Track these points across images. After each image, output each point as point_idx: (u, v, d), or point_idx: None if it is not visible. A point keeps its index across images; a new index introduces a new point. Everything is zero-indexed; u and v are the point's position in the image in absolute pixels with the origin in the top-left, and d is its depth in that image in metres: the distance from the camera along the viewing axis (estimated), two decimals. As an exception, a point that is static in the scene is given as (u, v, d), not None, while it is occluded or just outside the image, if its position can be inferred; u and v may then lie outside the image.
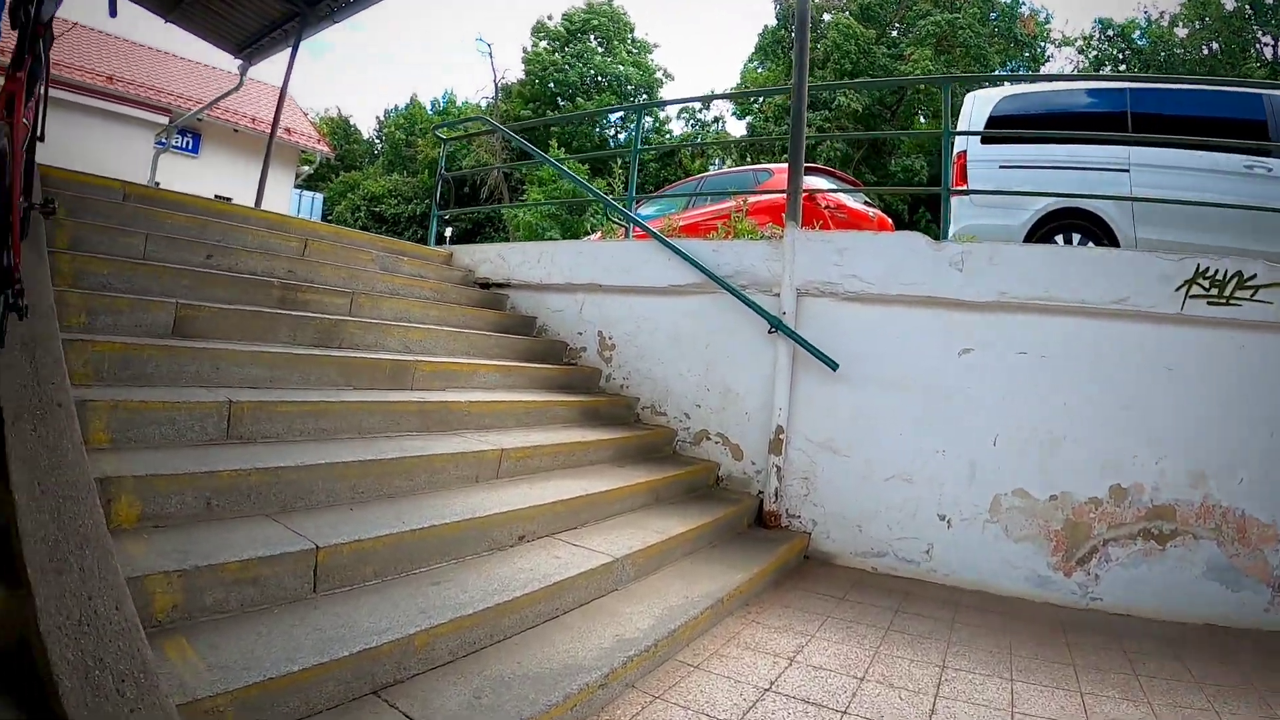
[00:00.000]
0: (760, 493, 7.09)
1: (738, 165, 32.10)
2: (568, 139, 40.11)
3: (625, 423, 7.61)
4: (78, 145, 17.71)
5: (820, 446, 6.91)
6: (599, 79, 43.62)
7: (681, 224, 10.32)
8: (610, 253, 8.48)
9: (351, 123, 56.30)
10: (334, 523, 3.87)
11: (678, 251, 7.62)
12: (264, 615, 3.25)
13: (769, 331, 7.01)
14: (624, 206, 9.19)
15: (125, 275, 5.27)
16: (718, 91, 45.14)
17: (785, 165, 11.37)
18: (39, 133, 4.47)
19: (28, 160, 4.05)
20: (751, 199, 10.17)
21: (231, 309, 5.44)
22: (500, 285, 9.29)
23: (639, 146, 9.23)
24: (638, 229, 8.94)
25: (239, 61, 14.97)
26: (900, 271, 6.69)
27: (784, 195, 7.64)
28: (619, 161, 15.22)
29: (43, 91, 4.34)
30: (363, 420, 5.03)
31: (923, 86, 32.81)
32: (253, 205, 12.49)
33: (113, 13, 4.31)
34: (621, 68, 43.72)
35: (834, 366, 6.71)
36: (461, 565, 4.19)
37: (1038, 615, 5.77)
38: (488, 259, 9.54)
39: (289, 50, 13.49)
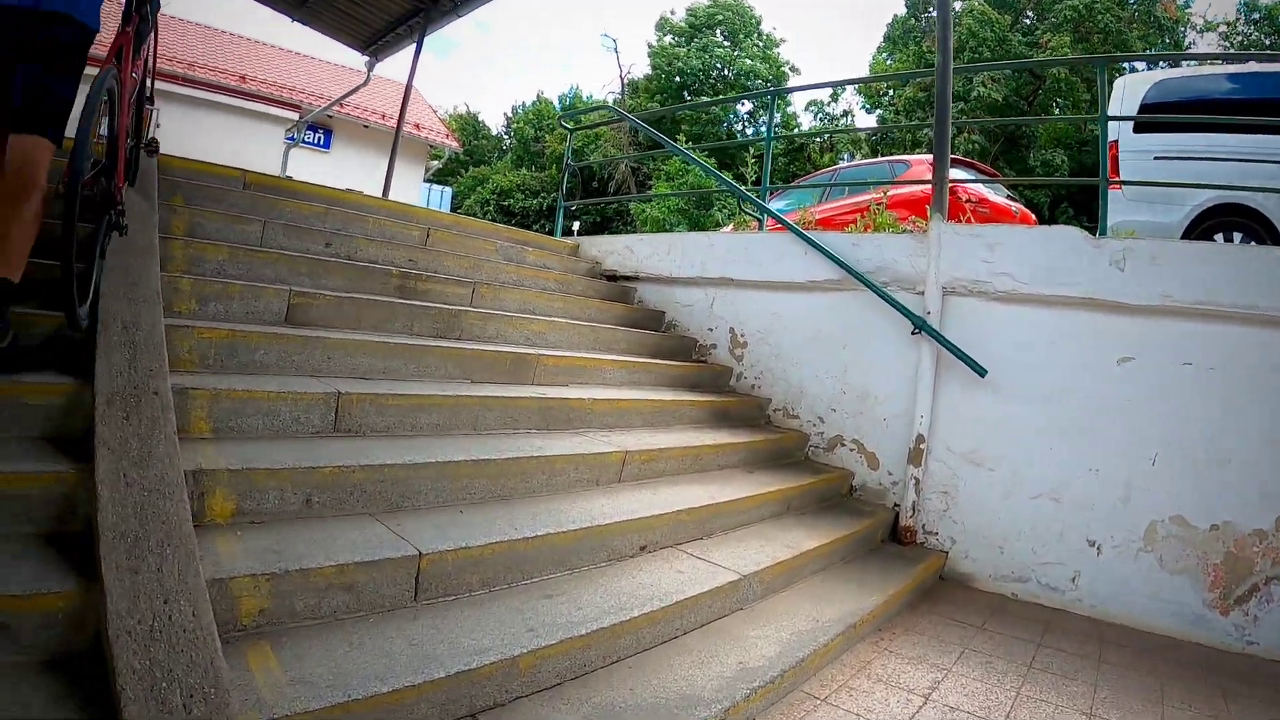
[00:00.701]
0: (896, 505, 6.67)
1: (869, 159, 31.38)
2: (696, 135, 39.58)
3: (756, 425, 7.27)
4: (214, 142, 18.27)
5: (963, 458, 6.45)
6: (725, 74, 43.01)
7: (817, 217, 9.96)
8: (743, 245, 8.15)
9: (480, 119, 56.80)
10: (441, 525, 3.64)
11: (815, 245, 7.25)
12: (358, 624, 3.03)
13: (912, 333, 6.58)
14: (752, 195, 8.87)
15: (240, 262, 5.21)
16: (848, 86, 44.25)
17: (923, 157, 10.85)
18: (149, 93, 5.14)
19: (135, 109, 4.60)
20: (890, 191, 9.76)
21: (347, 297, 5.31)
22: (628, 278, 9.05)
23: (772, 135, 8.84)
24: (772, 221, 8.56)
25: (366, 58, 15.27)
26: (1055, 270, 6.17)
27: (924, 187, 7.22)
28: (750, 151, 14.89)
29: (150, 52, 4.85)
30: (479, 416, 4.82)
31: (1062, 75, 31.56)
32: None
33: None
34: (749, 62, 42.91)
35: (982, 373, 6.23)
36: (576, 576, 3.92)
37: (1189, 657, 5.22)
38: (615, 250, 9.32)
39: (415, 46, 13.66)
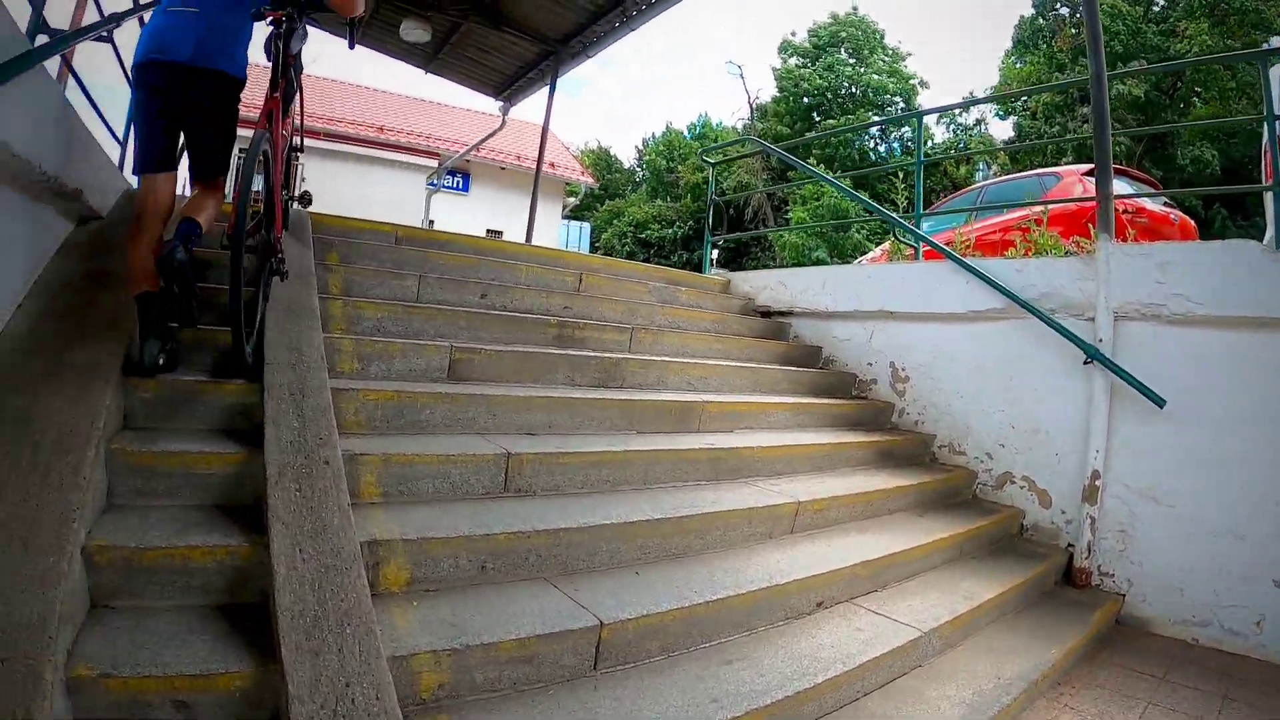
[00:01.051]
0: (1070, 546, 6.26)
1: (1005, 172, 30.15)
2: (828, 158, 38.76)
3: (921, 463, 6.95)
4: (359, 191, 18.83)
5: (1140, 495, 5.99)
6: (852, 91, 42.15)
7: (974, 239, 9.59)
8: (900, 276, 7.82)
9: (612, 153, 57.48)
10: (617, 590, 3.51)
11: (976, 273, 6.89)
12: (538, 696, 2.93)
13: (1084, 363, 6.18)
14: (906, 223, 8.55)
15: (399, 319, 5.23)
16: (978, 95, 42.44)
17: (1073, 168, 10.31)
18: (299, 145, 5.74)
19: (287, 164, 5.00)
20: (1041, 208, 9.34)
21: (508, 350, 5.26)
22: (782, 313, 8.79)
23: (921, 159, 8.46)
24: (927, 248, 8.23)
25: (500, 103, 15.53)
26: (1233, 288, 5.68)
27: (1081, 204, 6.78)
28: (900, 176, 14.42)
29: (298, 110, 5.34)
30: (649, 470, 4.69)
31: (1202, 66, 29.94)
32: (524, 240, 12.83)
33: (351, 45, 5.64)
34: (876, 77, 41.97)
35: (1160, 403, 5.79)
36: (755, 638, 3.74)
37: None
38: (767, 286, 9.06)
39: (546, 88, 13.84)
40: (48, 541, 2.66)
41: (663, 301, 7.78)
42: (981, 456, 6.93)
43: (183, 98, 3.98)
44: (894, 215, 9.02)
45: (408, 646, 2.73)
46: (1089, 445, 6.16)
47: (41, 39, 4.27)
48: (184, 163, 4.33)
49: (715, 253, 35.61)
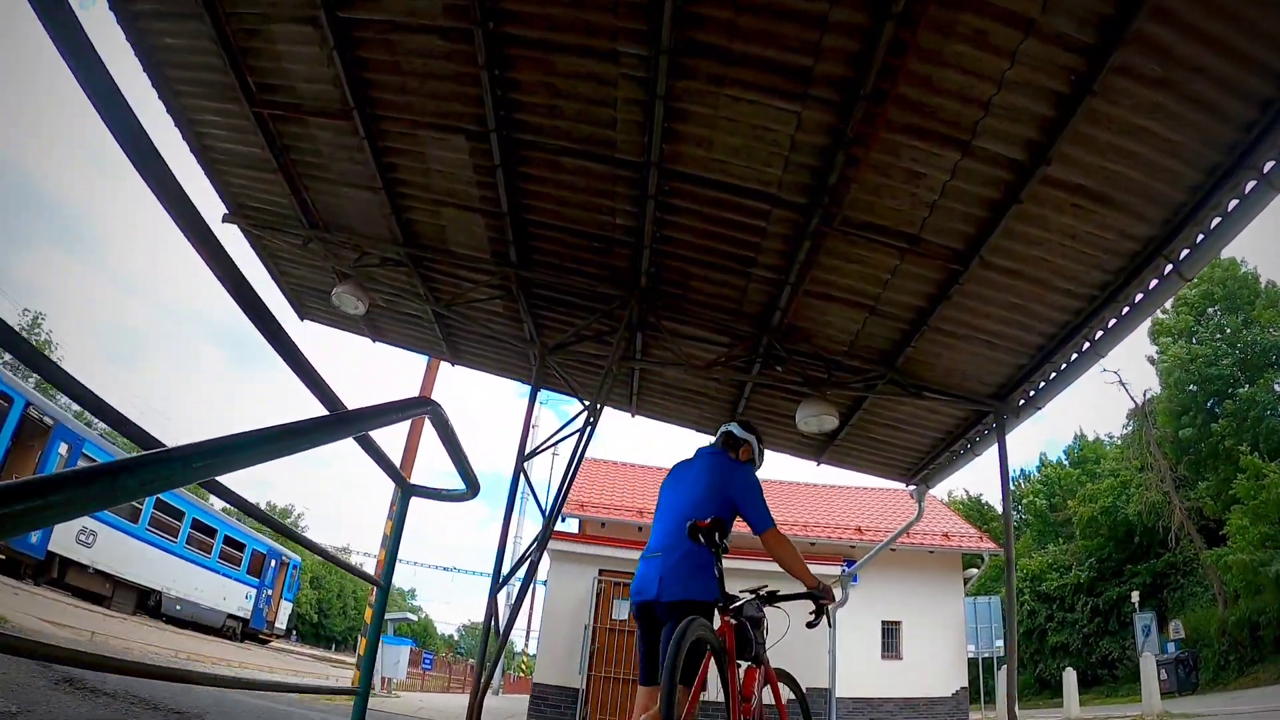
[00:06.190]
0: None
1: None
2: (1252, 440, 30.89)
3: None
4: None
5: None
6: (1243, 358, 34.00)
7: None
8: None
9: (983, 500, 52.47)
10: None
11: None
12: None
13: None
14: None
15: None
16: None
17: None
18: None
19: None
20: None
21: None
22: None
23: None
24: None
25: (912, 485, 12.27)
26: None
27: None
28: None
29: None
30: None
31: None
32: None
33: (816, 621, 4.76)
34: (1270, 333, 33.84)
35: None
36: None
37: None
38: None
39: (997, 452, 9.79)
40: None
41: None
42: None
43: (655, 625, 4.61)
44: None
45: None
46: None
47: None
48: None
49: (1134, 592, 30.40)
